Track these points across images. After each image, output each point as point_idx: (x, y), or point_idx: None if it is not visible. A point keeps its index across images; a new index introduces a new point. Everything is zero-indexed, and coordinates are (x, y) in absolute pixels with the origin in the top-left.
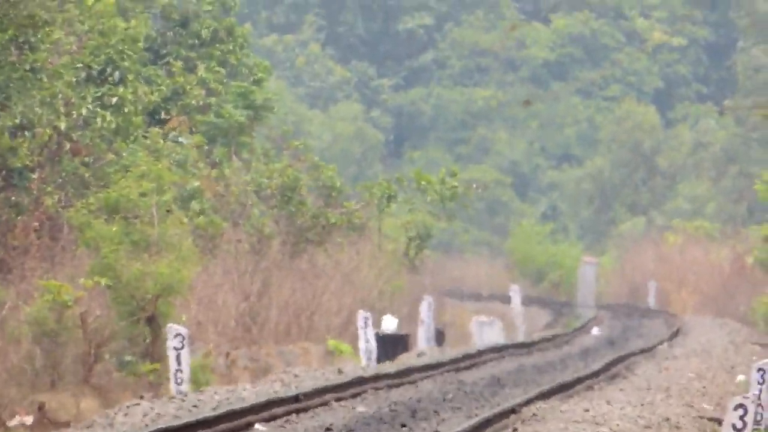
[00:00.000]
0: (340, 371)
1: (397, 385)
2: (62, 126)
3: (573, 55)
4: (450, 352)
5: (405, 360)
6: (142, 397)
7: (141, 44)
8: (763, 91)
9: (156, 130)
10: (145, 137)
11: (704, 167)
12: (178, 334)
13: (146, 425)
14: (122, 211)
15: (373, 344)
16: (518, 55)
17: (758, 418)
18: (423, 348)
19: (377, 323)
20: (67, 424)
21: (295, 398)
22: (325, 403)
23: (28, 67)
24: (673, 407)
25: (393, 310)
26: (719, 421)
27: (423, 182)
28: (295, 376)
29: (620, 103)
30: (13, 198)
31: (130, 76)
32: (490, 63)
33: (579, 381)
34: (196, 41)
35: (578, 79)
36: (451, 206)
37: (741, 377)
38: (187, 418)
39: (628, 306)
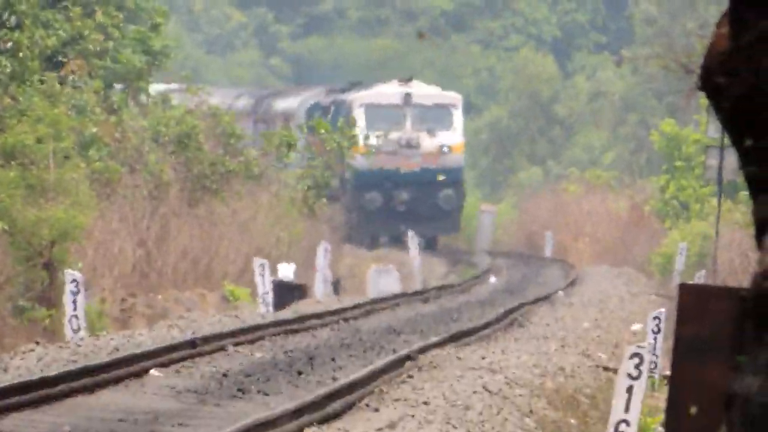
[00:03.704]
0: (237, 317)
1: (294, 332)
2: None
3: (472, 4)
4: (347, 300)
5: (301, 308)
6: (37, 343)
7: None
8: (658, 41)
9: (53, 74)
10: (42, 82)
11: (602, 117)
12: (74, 280)
13: (41, 370)
14: (19, 156)
15: (270, 291)
16: (417, 5)
17: (653, 366)
18: (319, 296)
19: (274, 271)
20: None
21: (192, 344)
22: (221, 349)
23: None
24: (569, 356)
25: (290, 258)
26: (614, 370)
27: (322, 131)
28: (192, 321)
29: (519, 52)
30: None
31: (27, 21)
32: (389, 13)
33: (475, 329)
34: None
35: (478, 29)
36: (351, 154)
37: (637, 326)
38: (82, 363)
39: (525, 255)
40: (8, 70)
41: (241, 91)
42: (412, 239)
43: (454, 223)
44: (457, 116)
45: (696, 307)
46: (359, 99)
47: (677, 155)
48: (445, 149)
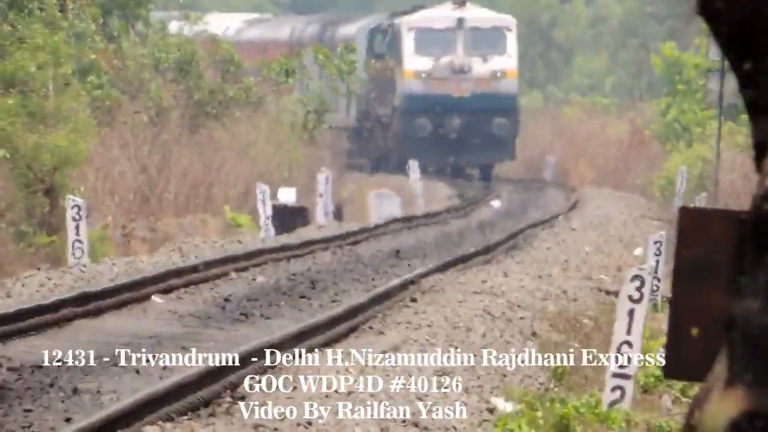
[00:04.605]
0: (239, 242)
1: (296, 257)
2: None
3: None
4: (349, 225)
5: (303, 233)
6: (38, 269)
7: None
8: None
9: (52, 1)
10: (41, 9)
11: (602, 41)
12: (75, 205)
13: (43, 296)
14: (18, 83)
15: (271, 217)
16: None
17: (654, 289)
18: (321, 221)
19: (275, 195)
20: None
21: (194, 269)
22: (224, 274)
23: None
24: (571, 279)
25: (291, 183)
26: (616, 293)
27: (321, 56)
28: (195, 246)
29: None
30: None
31: None
32: None
33: (477, 253)
34: None
35: None
36: (351, 80)
37: (638, 251)
38: (84, 288)
39: (526, 179)
40: None
41: (312, 18)
42: (413, 164)
43: (509, 151)
44: (511, 40)
45: (696, 230)
46: (408, 22)
47: (678, 79)
48: (499, 74)
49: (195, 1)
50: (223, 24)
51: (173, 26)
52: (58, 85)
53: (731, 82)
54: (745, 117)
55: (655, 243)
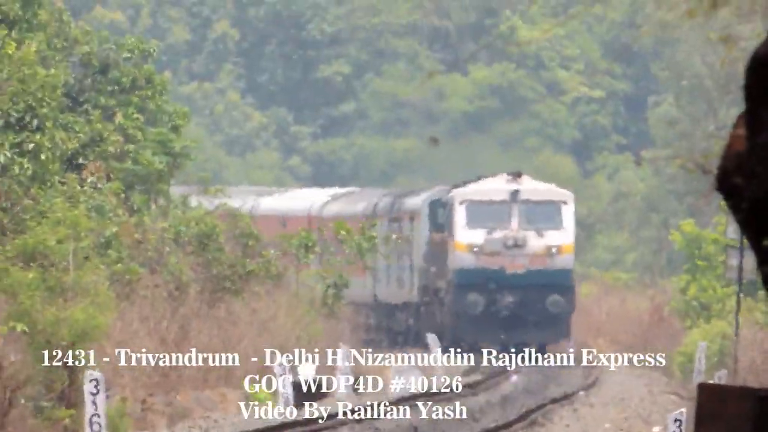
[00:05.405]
0: (258, 417)
1: None
2: None
3: (491, 107)
4: (368, 399)
5: (322, 407)
6: None
7: (60, 91)
8: (678, 142)
9: (73, 176)
10: (62, 184)
11: (624, 217)
12: (93, 380)
13: None
14: (39, 257)
15: (290, 391)
16: (437, 106)
17: None
18: (341, 395)
19: (295, 370)
20: None
21: None
22: None
23: None
24: None
25: (310, 357)
26: None
27: (342, 232)
28: (214, 422)
29: (538, 154)
30: None
31: (49, 123)
32: (410, 114)
33: (497, 429)
34: (116, 88)
35: (497, 132)
36: (370, 256)
37: (656, 429)
38: None
39: (546, 354)
40: (29, 172)
41: (387, 192)
42: (432, 339)
43: (564, 330)
44: (567, 214)
45: (714, 406)
46: (460, 195)
47: (697, 254)
48: (554, 250)
49: (217, 175)
50: (309, 199)
51: (193, 200)
52: (78, 259)
53: (751, 258)
54: (763, 293)
55: (675, 421)
